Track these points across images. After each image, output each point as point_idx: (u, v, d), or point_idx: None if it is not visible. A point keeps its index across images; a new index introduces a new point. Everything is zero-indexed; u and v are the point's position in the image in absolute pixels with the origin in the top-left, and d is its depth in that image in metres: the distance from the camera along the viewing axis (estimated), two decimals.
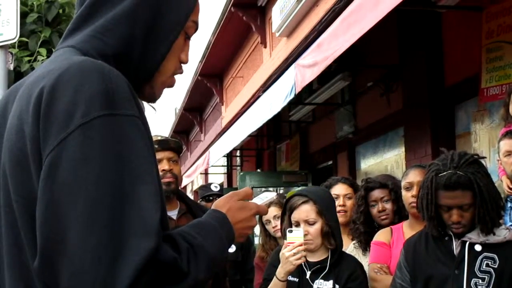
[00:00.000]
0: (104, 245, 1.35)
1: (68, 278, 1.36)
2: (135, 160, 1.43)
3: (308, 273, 3.56)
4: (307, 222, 3.56)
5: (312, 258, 3.60)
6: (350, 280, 3.55)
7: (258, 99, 9.48)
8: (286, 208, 3.70)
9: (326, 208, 3.62)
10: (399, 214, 4.26)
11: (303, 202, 3.59)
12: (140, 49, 1.68)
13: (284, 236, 3.69)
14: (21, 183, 1.49)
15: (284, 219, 3.74)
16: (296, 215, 3.60)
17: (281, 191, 11.45)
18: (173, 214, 3.54)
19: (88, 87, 1.44)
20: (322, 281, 3.53)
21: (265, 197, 1.95)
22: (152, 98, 1.80)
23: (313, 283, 3.53)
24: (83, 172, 1.38)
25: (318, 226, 3.56)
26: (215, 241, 1.59)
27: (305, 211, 3.57)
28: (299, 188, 4.06)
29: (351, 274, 3.57)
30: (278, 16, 11.13)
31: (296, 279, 3.53)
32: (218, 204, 1.74)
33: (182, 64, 1.80)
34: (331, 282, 3.52)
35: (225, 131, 12.56)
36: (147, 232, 1.38)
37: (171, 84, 1.81)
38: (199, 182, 22.69)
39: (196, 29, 1.82)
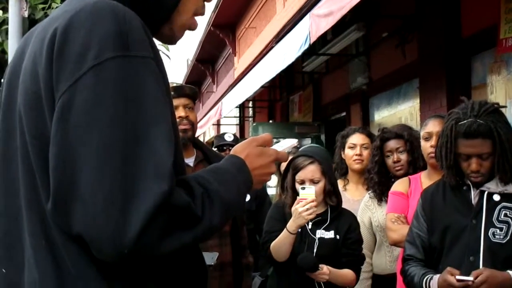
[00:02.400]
0: (117, 188, 1.34)
1: (80, 221, 1.37)
2: (148, 102, 1.42)
3: (310, 225, 3.76)
4: (312, 181, 3.79)
5: None
6: (349, 231, 3.84)
7: (271, 50, 9.41)
8: (291, 166, 3.88)
9: (328, 168, 3.93)
10: (414, 165, 4.26)
11: (310, 163, 3.81)
12: None
13: (284, 191, 3.94)
14: (35, 125, 1.49)
15: (287, 176, 3.91)
16: (302, 175, 3.81)
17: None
18: (189, 161, 3.53)
19: (101, 28, 1.42)
20: (323, 231, 3.79)
21: (285, 143, 1.92)
22: (172, 40, 1.77)
23: (314, 233, 3.75)
24: (96, 114, 1.37)
25: (321, 184, 3.82)
26: (232, 187, 1.57)
27: (311, 171, 3.81)
28: (301, 148, 4.11)
29: (350, 226, 3.87)
30: None
31: (298, 230, 3.69)
32: (236, 150, 1.72)
33: (205, 3, 1.77)
34: (332, 232, 3.79)
35: (238, 82, 12.50)
36: (160, 175, 1.37)
37: (192, 26, 1.77)
38: (211, 133, 22.71)
39: None
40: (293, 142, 1.94)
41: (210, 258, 3.19)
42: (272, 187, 9.25)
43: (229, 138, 6.79)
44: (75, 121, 1.38)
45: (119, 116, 1.38)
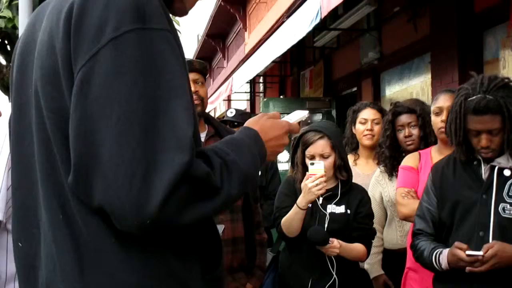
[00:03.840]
0: (137, 160, 1.35)
1: (101, 193, 1.38)
2: (167, 74, 1.43)
3: (321, 200, 3.78)
4: (322, 156, 3.80)
5: None
6: (360, 205, 3.87)
7: (282, 25, 9.37)
8: (300, 142, 3.89)
9: (338, 143, 3.90)
10: (426, 140, 4.25)
11: (319, 138, 3.81)
12: None
13: (294, 167, 3.97)
14: (53, 100, 1.49)
15: (297, 151, 3.92)
16: (312, 150, 3.82)
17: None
18: (201, 136, 3.51)
19: (118, 1, 1.43)
20: (334, 206, 3.81)
21: (296, 115, 1.93)
22: (183, 12, 1.79)
23: (325, 208, 3.76)
24: (115, 87, 1.38)
25: (331, 159, 3.83)
26: (248, 157, 1.59)
27: (321, 145, 3.81)
28: (312, 124, 4.11)
29: (361, 200, 3.89)
30: None
31: (309, 205, 3.71)
32: (250, 122, 1.74)
33: None
34: (343, 207, 3.80)
35: (248, 58, 12.46)
36: (180, 146, 1.38)
37: None
38: (222, 108, 22.69)
39: None
40: (304, 113, 1.94)
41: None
42: (283, 162, 9.27)
43: (230, 113, 6.78)
44: (95, 94, 1.39)
45: (139, 88, 1.39)
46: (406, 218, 3.91)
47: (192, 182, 1.40)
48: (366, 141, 4.75)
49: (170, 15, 1.64)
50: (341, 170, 3.88)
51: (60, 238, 1.51)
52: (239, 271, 3.58)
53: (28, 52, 1.64)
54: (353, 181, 4.01)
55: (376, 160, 4.61)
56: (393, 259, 4.32)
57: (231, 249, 3.49)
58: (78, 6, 1.45)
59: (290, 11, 9.87)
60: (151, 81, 1.40)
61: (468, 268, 2.94)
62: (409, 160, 4.06)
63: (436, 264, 3.11)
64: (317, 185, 3.58)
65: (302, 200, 3.65)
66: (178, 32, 1.63)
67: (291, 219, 3.70)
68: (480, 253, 2.91)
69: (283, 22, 9.65)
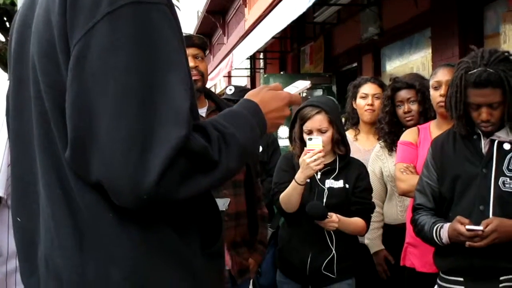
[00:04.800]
0: (134, 135, 1.35)
1: (98, 168, 1.38)
2: (163, 48, 1.42)
3: (319, 174, 3.79)
4: (319, 131, 3.79)
5: None
6: (359, 180, 3.89)
7: (282, 1, 9.33)
8: (298, 117, 3.88)
9: (336, 117, 3.87)
10: (425, 115, 4.23)
11: (317, 113, 3.80)
12: None
13: (292, 142, 3.97)
14: (49, 74, 1.49)
15: (295, 126, 3.92)
16: (309, 124, 3.81)
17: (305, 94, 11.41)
18: (202, 112, 3.50)
19: None
20: (332, 181, 3.81)
21: (298, 85, 1.91)
22: None
23: (324, 183, 3.77)
24: (111, 61, 1.38)
25: (329, 134, 3.82)
26: (247, 130, 1.58)
27: (318, 120, 3.80)
28: (309, 99, 4.10)
29: (359, 174, 3.91)
30: None
31: (307, 180, 3.71)
32: (250, 94, 1.74)
33: None
34: (341, 181, 3.81)
35: (248, 34, 12.41)
36: (177, 121, 1.38)
37: None
38: (222, 85, 22.65)
39: None
40: (305, 84, 1.92)
41: (222, 204, 3.21)
42: (284, 138, 9.26)
43: (229, 91, 6.77)
44: (91, 68, 1.38)
45: (135, 62, 1.38)
46: (405, 194, 3.91)
47: (189, 156, 1.40)
48: (367, 116, 4.74)
49: None
50: (339, 144, 3.88)
51: (59, 213, 1.51)
52: (242, 246, 3.58)
53: (26, 26, 1.63)
54: (354, 156, 4.01)
55: (377, 135, 4.60)
56: (393, 234, 4.33)
57: (235, 223, 3.49)
58: None
59: None
60: (147, 55, 1.39)
61: (468, 243, 2.95)
62: (407, 135, 4.05)
63: (437, 239, 3.11)
64: (315, 160, 3.58)
65: (300, 176, 3.65)
66: (177, 8, 1.62)
67: (290, 195, 3.71)
68: (480, 228, 2.91)
69: None
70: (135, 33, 1.40)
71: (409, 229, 3.64)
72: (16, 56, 1.69)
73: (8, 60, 1.76)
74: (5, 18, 7.33)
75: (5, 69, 6.93)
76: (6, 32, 7.23)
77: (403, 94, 4.32)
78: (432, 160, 3.28)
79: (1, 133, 2.42)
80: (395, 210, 4.37)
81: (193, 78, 3.42)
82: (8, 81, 1.76)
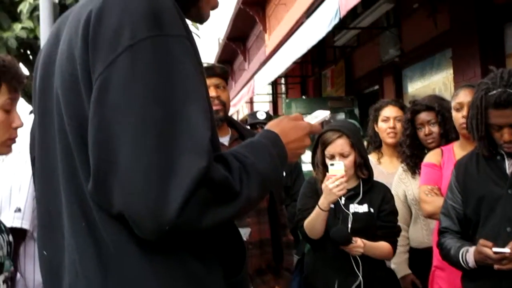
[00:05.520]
0: (155, 166, 1.36)
1: (120, 199, 1.39)
2: (184, 80, 1.43)
3: (343, 199, 3.76)
4: (342, 155, 3.77)
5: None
6: (383, 203, 3.85)
7: (302, 26, 9.37)
8: (319, 142, 3.86)
9: (358, 141, 3.85)
10: (446, 137, 4.21)
11: (338, 137, 3.78)
12: None
13: (314, 168, 3.94)
14: (73, 107, 1.51)
15: (317, 152, 3.90)
16: (331, 149, 3.80)
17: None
18: (224, 140, 3.50)
19: (135, 8, 1.44)
20: (357, 205, 3.78)
21: (318, 115, 1.92)
22: (200, 19, 1.80)
23: (348, 208, 3.74)
24: (132, 93, 1.39)
25: (351, 158, 3.80)
26: (267, 160, 1.58)
27: (340, 144, 3.78)
28: (330, 124, 4.09)
29: (384, 198, 3.87)
30: None
31: (332, 206, 3.70)
32: (270, 125, 1.74)
33: None
34: (365, 206, 3.78)
35: (269, 59, 12.46)
36: (198, 151, 1.39)
37: (214, 4, 1.80)
38: (244, 111, 22.71)
39: None
40: (325, 113, 1.92)
41: (243, 233, 3.21)
42: (307, 163, 9.25)
43: (261, 116, 6.79)
44: (113, 101, 1.40)
45: (155, 94, 1.39)
46: (430, 216, 3.88)
47: (210, 187, 1.40)
48: (389, 139, 4.73)
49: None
50: (362, 168, 3.85)
51: (83, 245, 1.52)
52: (267, 273, 3.57)
53: (50, 61, 1.66)
54: (377, 179, 3.99)
55: (400, 158, 4.58)
56: (419, 258, 4.29)
57: (259, 251, 3.48)
58: (96, 14, 1.46)
59: (309, 12, 9.86)
60: (167, 87, 1.41)
61: (496, 266, 2.91)
62: (431, 157, 4.03)
63: (463, 263, 3.08)
64: (337, 185, 3.57)
65: (323, 201, 3.64)
66: (196, 37, 1.63)
67: (314, 221, 3.69)
68: (507, 250, 2.88)
69: (302, 23, 9.65)
70: (155, 65, 1.41)
71: (436, 252, 3.60)
72: (40, 90, 1.71)
73: (32, 94, 1.78)
74: (28, 52, 7.42)
75: (29, 101, 7.00)
76: (29, 65, 7.32)
77: (423, 116, 4.31)
78: (456, 182, 3.25)
79: (26, 166, 2.45)
80: (420, 233, 4.34)
81: (215, 108, 3.45)
82: (33, 114, 1.79)
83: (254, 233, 3.41)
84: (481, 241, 2.96)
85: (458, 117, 3.84)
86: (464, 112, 3.74)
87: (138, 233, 1.42)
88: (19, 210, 2.56)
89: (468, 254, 3.04)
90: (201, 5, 1.75)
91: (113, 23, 1.44)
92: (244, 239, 3.17)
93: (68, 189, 1.56)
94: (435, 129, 4.26)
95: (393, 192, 4.15)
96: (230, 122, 3.69)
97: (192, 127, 1.41)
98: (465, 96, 3.81)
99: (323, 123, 1.92)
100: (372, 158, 4.72)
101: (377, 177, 4.05)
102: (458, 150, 3.88)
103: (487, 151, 3.14)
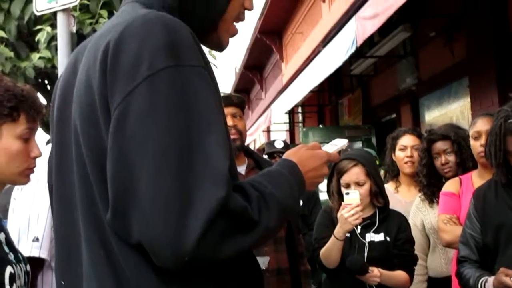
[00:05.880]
0: (174, 196, 1.36)
1: (139, 230, 1.38)
2: (202, 110, 1.43)
3: (359, 228, 3.75)
4: (357, 184, 3.77)
5: None
6: (400, 232, 3.82)
7: (319, 54, 9.40)
8: (335, 171, 3.87)
9: (373, 169, 3.84)
10: (463, 166, 4.20)
11: (353, 165, 3.79)
12: None
13: (330, 196, 3.95)
14: (91, 137, 1.51)
15: (332, 181, 3.91)
16: (346, 178, 3.80)
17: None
18: (241, 169, 3.52)
19: (153, 39, 1.44)
20: (373, 234, 3.77)
21: (335, 144, 1.92)
22: (219, 47, 1.81)
23: (364, 237, 3.73)
24: (151, 124, 1.39)
25: (367, 186, 3.80)
26: (286, 189, 1.58)
27: (355, 173, 3.78)
28: (345, 152, 4.10)
29: (400, 226, 3.85)
30: None
31: (347, 235, 3.69)
32: (288, 154, 1.74)
33: (246, 11, 1.80)
34: (381, 235, 3.76)
35: (286, 88, 12.51)
36: (217, 181, 1.38)
37: (233, 32, 1.81)
38: (261, 140, 22.74)
39: None
40: (343, 142, 1.93)
41: (261, 262, 3.20)
42: (324, 191, 9.23)
43: (279, 145, 6.80)
44: (131, 131, 1.40)
45: (174, 124, 1.39)
46: (449, 245, 3.86)
47: (229, 217, 1.40)
48: (406, 168, 4.72)
49: (208, 49, 1.66)
50: (377, 196, 3.85)
51: (101, 275, 1.51)
52: None
53: (68, 91, 1.66)
54: (395, 208, 3.98)
55: (418, 186, 4.56)
56: (438, 287, 4.26)
57: (276, 279, 3.47)
58: (114, 44, 1.47)
59: (326, 40, 9.92)
60: (186, 117, 1.41)
61: None
62: (450, 186, 4.01)
63: None
64: (353, 215, 3.55)
65: (339, 231, 3.63)
66: (214, 66, 1.64)
67: (330, 250, 3.68)
68: None
69: (319, 52, 9.70)
70: (174, 95, 1.42)
71: (455, 281, 3.57)
72: (58, 120, 1.72)
73: (50, 124, 1.79)
74: (46, 81, 7.47)
75: (47, 131, 7.03)
76: (47, 95, 7.36)
77: (439, 145, 4.30)
78: (475, 211, 3.23)
79: (44, 195, 2.46)
80: (439, 262, 4.31)
81: (232, 137, 3.46)
82: (50, 144, 1.80)
83: (271, 261, 3.41)
84: (502, 269, 2.93)
85: (476, 146, 3.83)
86: (482, 140, 3.73)
87: (157, 262, 1.42)
88: (37, 239, 2.56)
89: (487, 285, 3.01)
90: (220, 32, 1.76)
91: (131, 54, 1.44)
92: (263, 267, 3.17)
93: (87, 218, 1.56)
94: (451, 158, 4.25)
95: (410, 221, 4.13)
96: (247, 151, 3.71)
97: (211, 157, 1.41)
98: (483, 125, 3.80)
99: (340, 152, 1.92)
100: (390, 187, 4.70)
101: (395, 206, 4.04)
102: (477, 179, 3.86)
103: (505, 178, 3.12)
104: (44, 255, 2.54)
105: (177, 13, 1.62)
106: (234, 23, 1.80)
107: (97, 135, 1.49)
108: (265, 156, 6.65)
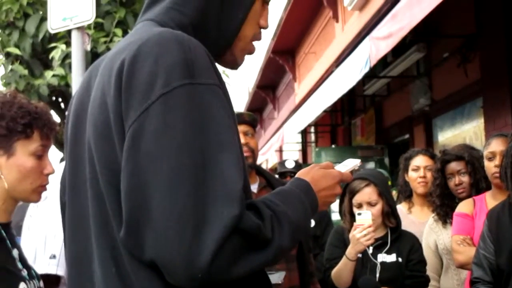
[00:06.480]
0: (188, 214, 1.36)
1: (152, 247, 1.38)
2: (216, 128, 1.43)
3: (371, 249, 3.74)
4: (369, 204, 3.76)
5: None
6: (412, 252, 3.79)
7: (332, 74, 9.41)
8: (347, 191, 3.86)
9: (385, 189, 3.84)
10: (477, 187, 4.18)
11: (365, 185, 3.78)
12: (217, 17, 1.70)
13: (342, 217, 3.94)
14: (105, 155, 1.51)
15: (344, 201, 3.90)
16: (358, 198, 3.79)
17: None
18: (253, 188, 3.53)
19: (167, 57, 1.45)
20: (385, 255, 3.75)
21: (348, 163, 1.92)
22: (234, 65, 1.82)
23: (376, 257, 3.71)
24: (165, 142, 1.39)
25: (379, 206, 3.79)
26: (299, 208, 1.58)
27: (367, 193, 3.77)
28: (357, 172, 4.10)
29: (412, 247, 3.82)
30: None
31: (359, 255, 3.68)
32: (301, 173, 1.74)
33: (262, 30, 1.81)
34: (393, 255, 3.73)
35: (299, 108, 12.52)
36: (230, 200, 1.38)
37: (250, 50, 1.82)
38: (274, 159, 22.73)
39: None
40: (356, 162, 1.93)
41: (277, 277, 3.19)
42: (336, 212, 9.20)
43: (290, 165, 6.80)
44: (146, 149, 1.40)
45: (188, 143, 1.40)
46: (462, 266, 3.84)
47: (242, 235, 1.40)
48: (419, 188, 4.70)
49: (222, 67, 1.66)
50: (389, 217, 3.83)
51: None
52: None
53: (82, 109, 1.67)
54: (408, 229, 3.96)
55: (431, 207, 4.55)
56: None
57: None
58: (129, 63, 1.48)
59: (339, 61, 9.93)
60: (200, 135, 1.41)
61: None
62: (463, 207, 4.00)
63: None
64: (365, 235, 3.54)
65: (351, 251, 3.61)
66: (227, 85, 1.65)
67: (341, 271, 3.66)
68: None
69: (332, 72, 9.70)
70: (188, 113, 1.42)
71: None
72: (72, 138, 1.72)
73: (64, 141, 1.80)
74: (59, 99, 7.51)
75: (61, 149, 7.06)
76: (61, 112, 7.40)
77: (453, 166, 4.28)
78: (488, 232, 3.22)
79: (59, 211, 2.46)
80: (452, 283, 4.28)
81: (244, 155, 3.45)
82: (64, 162, 1.80)
83: (284, 279, 3.40)
84: None
85: (491, 167, 3.81)
86: (497, 161, 3.71)
87: (170, 280, 1.41)
88: (54, 256, 2.57)
89: None
90: (235, 50, 1.77)
91: (146, 72, 1.45)
92: (279, 282, 3.16)
93: (100, 236, 1.56)
94: (465, 178, 4.23)
95: (423, 241, 4.11)
96: (258, 170, 3.72)
97: (225, 175, 1.41)
98: (497, 146, 3.79)
99: (352, 172, 1.92)
100: (403, 207, 4.69)
101: (408, 226, 4.02)
102: (491, 200, 3.85)
103: None
104: (61, 272, 2.55)
105: (192, 32, 1.62)
106: (251, 41, 1.80)
107: (111, 153, 1.50)
108: (277, 176, 6.66)
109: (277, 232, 1.47)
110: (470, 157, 4.21)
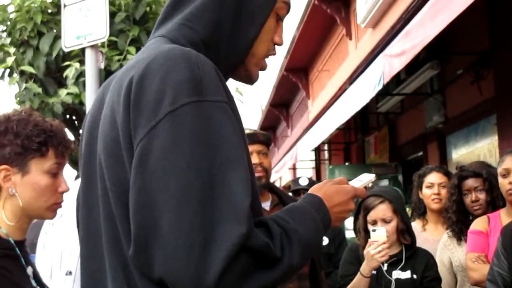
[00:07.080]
0: (196, 232, 1.35)
1: (161, 265, 1.38)
2: (224, 146, 1.43)
3: (385, 266, 3.72)
4: (384, 221, 3.75)
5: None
6: (426, 270, 3.78)
7: (345, 92, 9.41)
8: (361, 208, 3.86)
9: (400, 206, 3.82)
10: (493, 204, 4.16)
11: (380, 202, 3.78)
12: (229, 34, 1.70)
13: (356, 233, 3.93)
14: (115, 173, 1.52)
15: (359, 217, 3.89)
16: (373, 215, 3.78)
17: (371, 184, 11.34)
18: (265, 205, 3.52)
19: (175, 74, 1.45)
20: (399, 272, 3.73)
21: (362, 179, 1.90)
22: (249, 80, 1.81)
23: (391, 274, 3.70)
24: (173, 160, 1.39)
25: (394, 223, 3.78)
26: (310, 225, 1.56)
27: (382, 210, 3.77)
28: (372, 189, 4.09)
29: (427, 264, 3.81)
30: (363, 7, 11.04)
31: (374, 272, 3.67)
32: (314, 189, 1.73)
33: (276, 46, 1.80)
34: (408, 272, 3.73)
35: (312, 125, 12.51)
36: (238, 218, 1.38)
37: (263, 67, 1.81)
38: (287, 177, 22.71)
39: (288, 10, 1.81)
40: (371, 177, 1.90)
41: None
42: (351, 229, 9.17)
43: (303, 182, 6.79)
44: (153, 167, 1.40)
45: (196, 160, 1.39)
46: (477, 284, 3.82)
47: (250, 253, 1.39)
48: (433, 205, 4.68)
49: (234, 86, 1.66)
50: (404, 234, 3.82)
51: None
52: None
53: (95, 126, 1.68)
54: (423, 246, 3.95)
55: (445, 224, 4.53)
56: None
57: None
58: (137, 80, 1.48)
59: (352, 78, 9.93)
60: (208, 153, 1.41)
61: None
62: (478, 224, 3.98)
63: None
64: (379, 252, 3.53)
65: (365, 268, 3.60)
66: (240, 103, 1.64)
67: (356, 287, 3.65)
68: None
69: (345, 89, 9.70)
70: (196, 131, 1.42)
71: None
72: (86, 155, 1.73)
73: (79, 159, 1.81)
74: (74, 117, 7.55)
75: (74, 167, 7.08)
76: (75, 130, 7.43)
77: (470, 182, 4.26)
78: (503, 248, 3.20)
79: (76, 230, 2.47)
80: None
81: (257, 174, 3.47)
82: (79, 179, 1.81)
83: None
84: None
85: (505, 183, 3.80)
86: (511, 178, 3.70)
87: None
88: (70, 273, 2.58)
89: None
90: (249, 65, 1.76)
91: (154, 89, 1.45)
92: None
93: (111, 253, 1.56)
94: (482, 196, 4.21)
95: (438, 258, 4.09)
96: (271, 188, 3.72)
97: (232, 193, 1.40)
98: (511, 162, 3.76)
99: (366, 188, 1.89)
100: (417, 225, 4.67)
101: (422, 244, 4.00)
102: (505, 217, 3.83)
103: None
104: None
105: (203, 48, 1.63)
106: (265, 58, 1.80)
107: (120, 170, 1.50)
108: (290, 194, 6.64)
109: (287, 250, 1.46)
110: (488, 175, 4.19)
